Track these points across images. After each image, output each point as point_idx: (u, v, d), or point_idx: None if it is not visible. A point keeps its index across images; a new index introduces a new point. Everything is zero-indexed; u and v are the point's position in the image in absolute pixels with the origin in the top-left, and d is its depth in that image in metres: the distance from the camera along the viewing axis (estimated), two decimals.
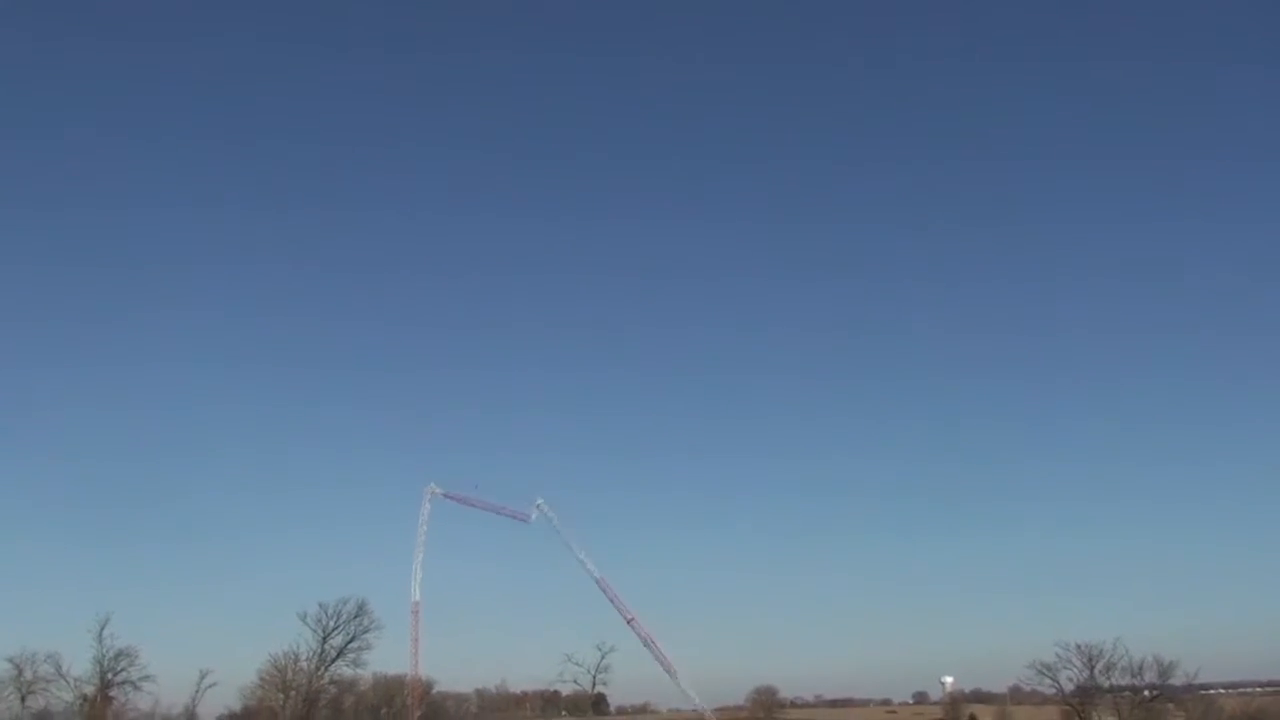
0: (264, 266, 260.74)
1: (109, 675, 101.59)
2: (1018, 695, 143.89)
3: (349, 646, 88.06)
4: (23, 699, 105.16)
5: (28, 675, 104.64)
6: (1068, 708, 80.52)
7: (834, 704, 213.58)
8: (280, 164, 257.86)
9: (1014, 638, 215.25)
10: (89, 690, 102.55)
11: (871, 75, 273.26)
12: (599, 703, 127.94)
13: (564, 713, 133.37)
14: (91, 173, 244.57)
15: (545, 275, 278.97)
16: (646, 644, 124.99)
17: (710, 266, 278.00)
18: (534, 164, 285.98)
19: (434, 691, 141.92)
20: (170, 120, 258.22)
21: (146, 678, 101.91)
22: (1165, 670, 71.13)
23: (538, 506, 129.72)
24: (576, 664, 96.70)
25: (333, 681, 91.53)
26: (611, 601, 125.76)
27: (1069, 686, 73.32)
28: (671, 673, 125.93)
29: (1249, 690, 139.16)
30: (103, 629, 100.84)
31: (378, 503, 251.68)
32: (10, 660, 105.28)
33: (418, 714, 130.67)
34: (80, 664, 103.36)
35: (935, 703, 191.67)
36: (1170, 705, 75.44)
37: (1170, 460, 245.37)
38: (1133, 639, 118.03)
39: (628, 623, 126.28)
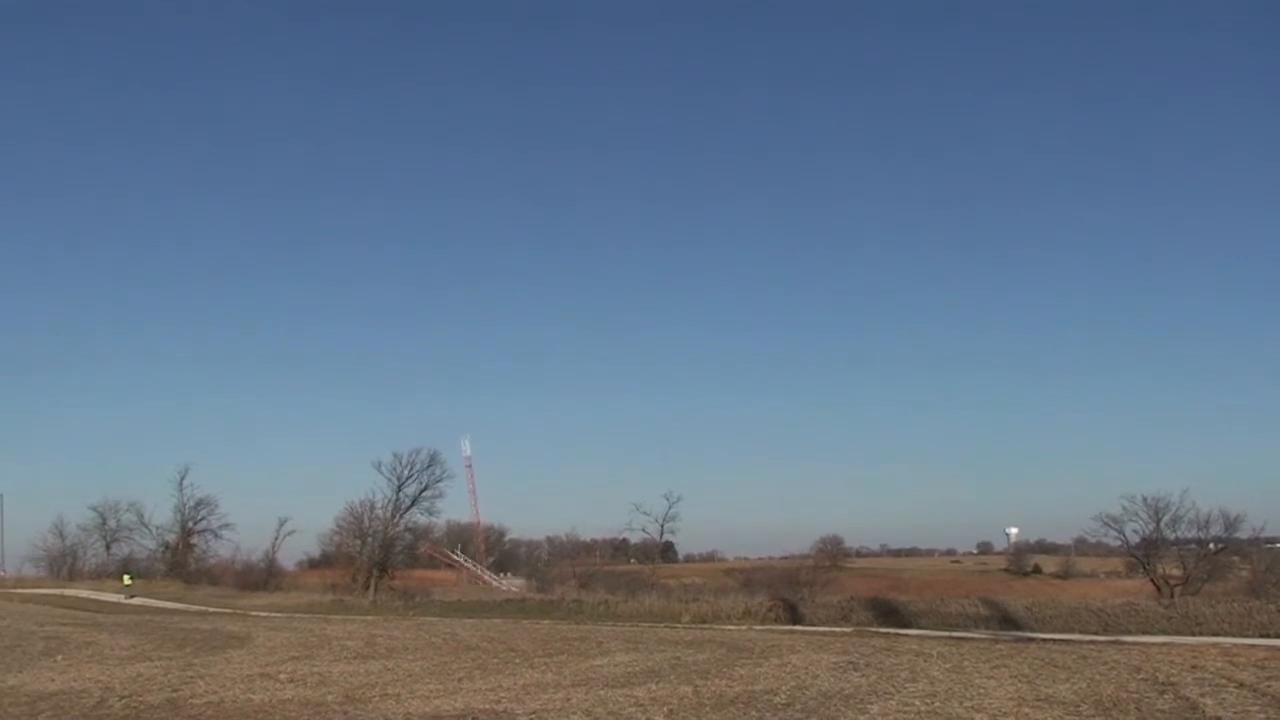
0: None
1: (190, 523, 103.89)
2: (1082, 547, 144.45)
3: (422, 495, 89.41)
4: (108, 547, 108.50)
5: (111, 524, 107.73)
6: (1132, 559, 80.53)
7: (898, 554, 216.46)
8: None
9: (1080, 490, 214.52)
10: (171, 538, 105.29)
11: None
12: (667, 550, 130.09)
13: (632, 560, 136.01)
14: None
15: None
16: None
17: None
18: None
19: (506, 538, 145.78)
20: None
21: (226, 525, 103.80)
22: (1231, 524, 70.57)
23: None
24: (645, 513, 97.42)
25: (408, 529, 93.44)
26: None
27: (1134, 539, 72.96)
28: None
29: None
30: (183, 479, 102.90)
31: (447, 349, 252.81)
32: (95, 509, 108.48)
33: (489, 560, 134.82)
34: (162, 513, 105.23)
35: (1000, 553, 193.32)
36: (1235, 558, 75.35)
37: (1231, 316, 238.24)
38: (1200, 492, 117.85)
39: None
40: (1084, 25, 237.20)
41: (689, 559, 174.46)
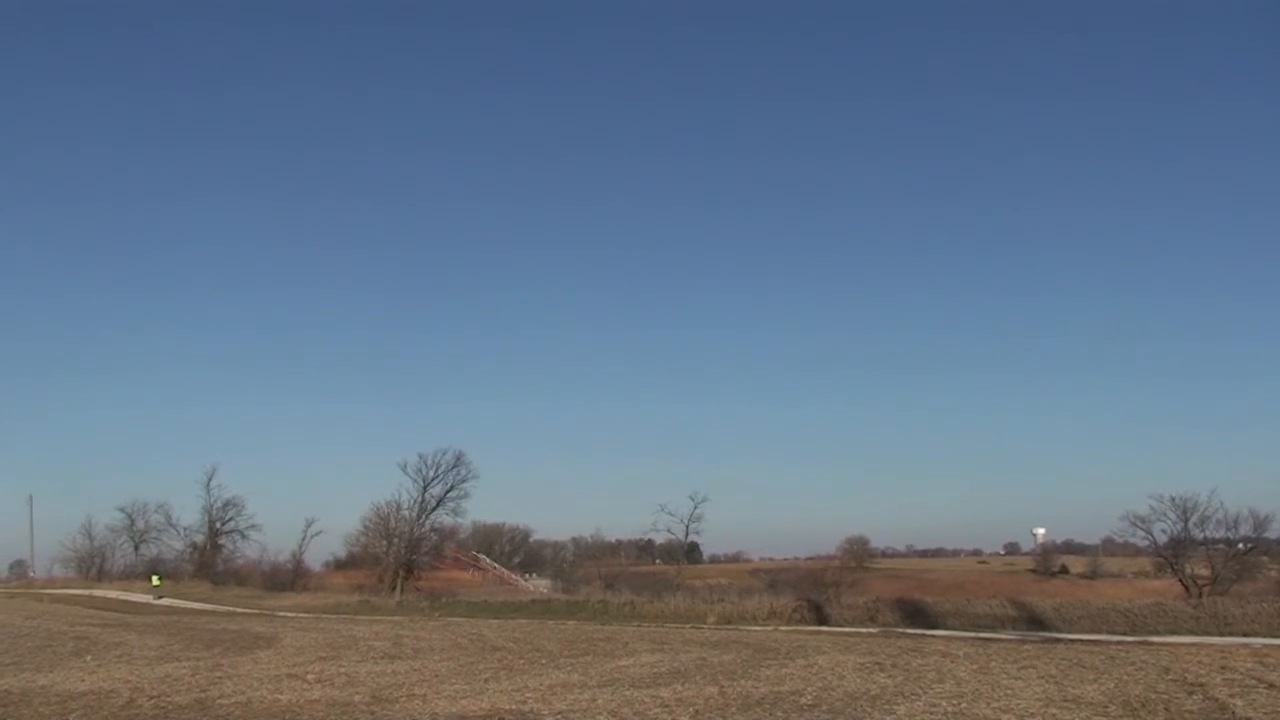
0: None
1: (217, 524, 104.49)
2: (1110, 547, 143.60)
3: (448, 495, 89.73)
4: (136, 547, 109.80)
5: (140, 525, 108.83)
6: (1160, 559, 79.97)
7: (925, 554, 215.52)
8: None
9: (1107, 490, 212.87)
10: (198, 539, 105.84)
11: None
12: (692, 551, 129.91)
13: (657, 561, 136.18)
14: None
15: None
16: None
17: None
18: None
19: (532, 539, 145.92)
20: None
21: (253, 526, 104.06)
22: (1261, 523, 69.96)
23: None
24: (670, 514, 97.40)
25: (434, 529, 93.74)
26: None
27: (1162, 539, 72.46)
28: None
29: None
30: (210, 480, 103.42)
31: (474, 351, 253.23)
32: (123, 510, 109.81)
33: (514, 560, 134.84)
34: (189, 514, 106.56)
35: (1027, 553, 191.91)
36: (1265, 558, 74.77)
37: (1258, 314, 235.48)
38: (1228, 491, 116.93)
39: None
40: (1085, 25, 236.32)
41: (714, 560, 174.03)
